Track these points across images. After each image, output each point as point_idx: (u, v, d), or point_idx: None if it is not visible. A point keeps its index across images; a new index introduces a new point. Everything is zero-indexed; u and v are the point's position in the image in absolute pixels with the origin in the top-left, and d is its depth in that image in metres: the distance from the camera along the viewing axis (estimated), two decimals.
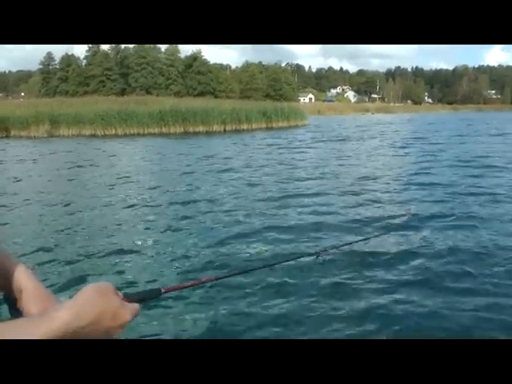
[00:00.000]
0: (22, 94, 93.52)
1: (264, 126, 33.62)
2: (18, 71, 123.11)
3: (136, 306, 0.83)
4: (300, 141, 23.56)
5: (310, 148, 19.70)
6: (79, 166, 14.44)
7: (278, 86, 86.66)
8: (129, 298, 0.84)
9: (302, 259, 4.83)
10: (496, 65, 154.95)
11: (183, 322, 4.09)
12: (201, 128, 30.49)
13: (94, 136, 28.28)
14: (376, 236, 4.66)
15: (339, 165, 13.93)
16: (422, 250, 5.66)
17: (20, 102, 46.19)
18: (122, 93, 69.75)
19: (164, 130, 29.96)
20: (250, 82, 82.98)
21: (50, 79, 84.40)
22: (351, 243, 2.17)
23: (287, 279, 4.88)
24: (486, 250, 5.58)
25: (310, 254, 1.71)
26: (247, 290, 4.66)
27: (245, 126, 32.18)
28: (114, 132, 29.09)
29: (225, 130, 31.06)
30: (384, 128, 36.00)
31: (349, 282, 4.79)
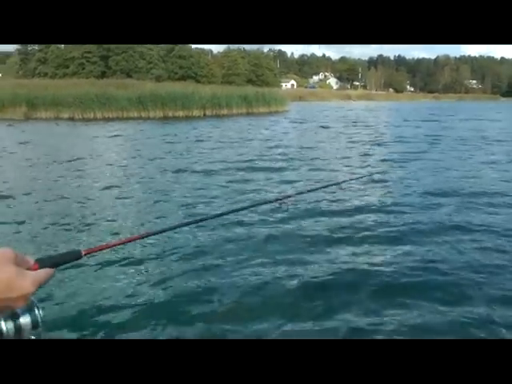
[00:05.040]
0: (0, 74, 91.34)
1: (244, 111, 33.61)
2: None
3: (46, 272, 0.75)
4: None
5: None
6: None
7: (260, 71, 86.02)
8: (42, 263, 0.76)
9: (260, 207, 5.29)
10: (477, 55, 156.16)
11: (109, 287, 3.90)
12: (180, 113, 30.39)
13: (71, 119, 27.98)
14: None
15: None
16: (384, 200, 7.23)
17: None
18: (102, 76, 68.37)
19: (143, 114, 29.79)
20: (231, 67, 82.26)
21: (29, 61, 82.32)
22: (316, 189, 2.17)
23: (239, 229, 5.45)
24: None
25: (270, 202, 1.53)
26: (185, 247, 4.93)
27: (225, 112, 32.14)
28: (92, 115, 28.80)
29: (204, 115, 31.00)
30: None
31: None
